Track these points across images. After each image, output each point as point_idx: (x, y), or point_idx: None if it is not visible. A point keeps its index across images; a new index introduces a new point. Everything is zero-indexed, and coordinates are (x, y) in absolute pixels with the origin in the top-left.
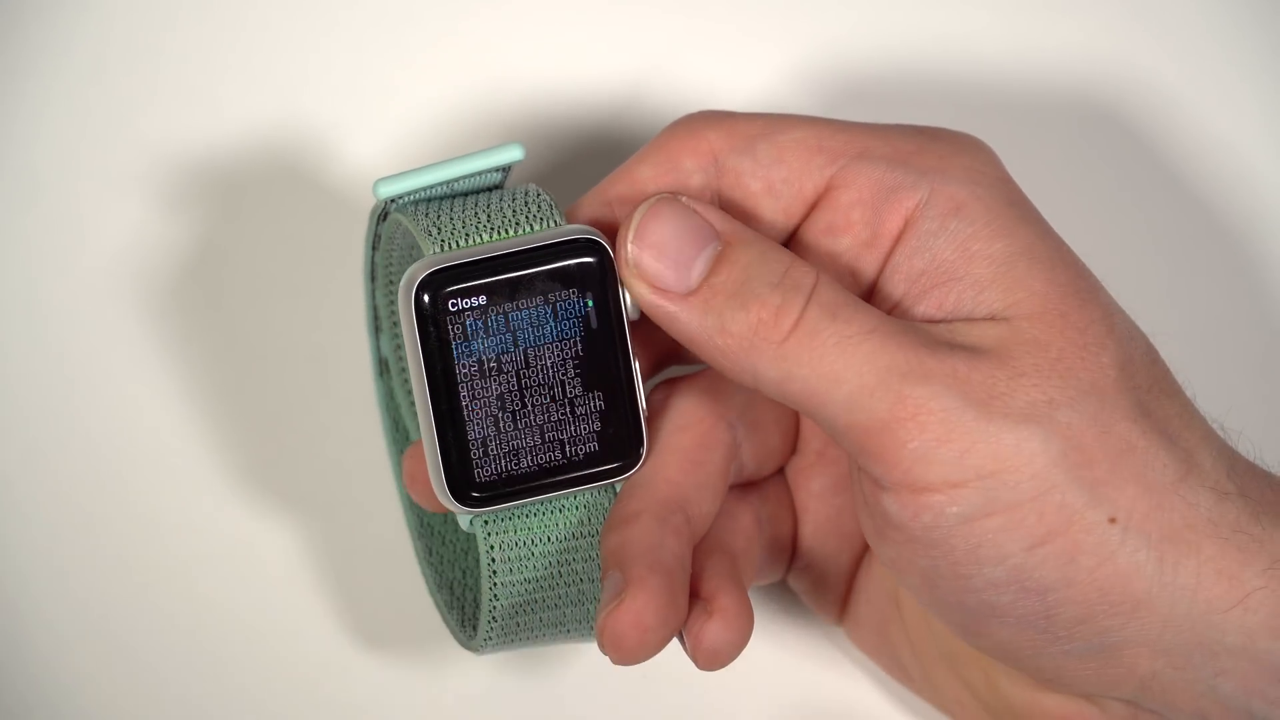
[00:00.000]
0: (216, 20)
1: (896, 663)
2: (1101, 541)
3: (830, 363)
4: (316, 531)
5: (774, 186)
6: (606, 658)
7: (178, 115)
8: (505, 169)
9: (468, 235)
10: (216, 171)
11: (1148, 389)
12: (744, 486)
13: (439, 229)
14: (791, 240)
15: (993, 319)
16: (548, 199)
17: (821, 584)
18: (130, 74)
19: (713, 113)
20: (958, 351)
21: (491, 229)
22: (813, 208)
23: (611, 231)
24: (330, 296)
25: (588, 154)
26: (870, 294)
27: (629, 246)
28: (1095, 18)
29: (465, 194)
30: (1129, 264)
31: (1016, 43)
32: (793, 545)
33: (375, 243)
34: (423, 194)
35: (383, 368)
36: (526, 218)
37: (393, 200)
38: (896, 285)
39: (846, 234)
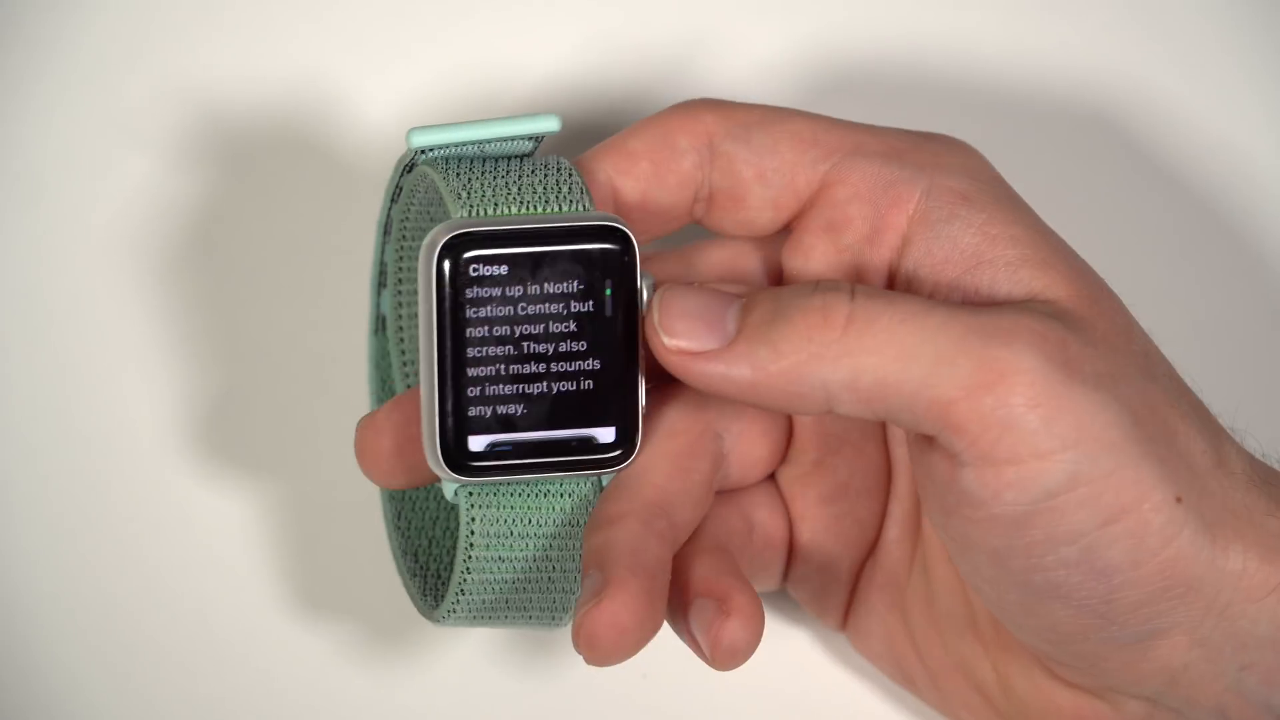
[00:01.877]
0: None
1: (901, 669)
2: (1169, 520)
3: (901, 340)
4: (298, 500)
5: (765, 174)
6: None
7: (184, 79)
8: (538, 139)
9: (496, 204)
10: (221, 139)
11: (1169, 377)
12: (732, 491)
13: (468, 193)
14: (789, 238)
15: (1037, 298)
16: (579, 181)
17: (822, 592)
18: (136, 39)
19: (713, 99)
20: (1027, 313)
21: (521, 202)
22: (807, 205)
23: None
24: (330, 271)
25: (604, 129)
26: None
27: (658, 328)
28: (1093, 18)
29: (495, 158)
30: (1129, 266)
31: (1013, 43)
32: (787, 552)
33: (395, 195)
34: (453, 150)
35: (379, 324)
36: (556, 196)
37: (422, 151)
38: (925, 278)
39: (846, 230)
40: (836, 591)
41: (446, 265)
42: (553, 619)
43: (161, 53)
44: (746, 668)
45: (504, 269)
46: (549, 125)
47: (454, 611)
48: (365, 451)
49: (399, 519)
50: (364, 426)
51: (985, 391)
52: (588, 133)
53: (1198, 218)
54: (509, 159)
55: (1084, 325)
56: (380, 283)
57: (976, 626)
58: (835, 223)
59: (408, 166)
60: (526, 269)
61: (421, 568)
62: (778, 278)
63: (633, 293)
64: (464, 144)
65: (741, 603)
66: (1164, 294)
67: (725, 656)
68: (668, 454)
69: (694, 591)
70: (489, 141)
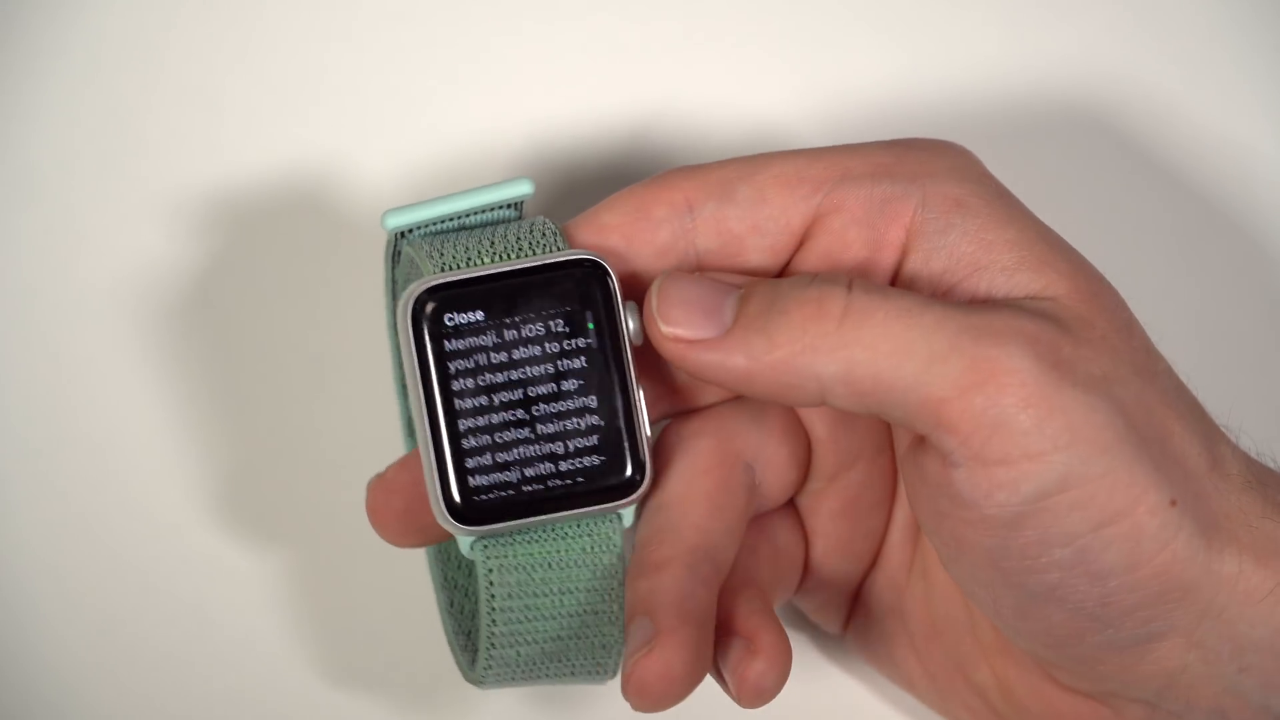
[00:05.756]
0: (230, 43)
1: (901, 672)
2: (1164, 524)
3: (895, 337)
4: (326, 565)
5: (760, 225)
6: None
7: (186, 133)
8: (517, 205)
9: (469, 259)
10: (226, 194)
11: (1167, 375)
12: (757, 518)
13: (442, 254)
14: (785, 274)
15: (1035, 297)
16: (552, 226)
17: (829, 602)
18: (138, 94)
19: (686, 167)
20: (1021, 314)
21: (494, 254)
22: (802, 240)
23: None
24: (334, 322)
25: (593, 190)
26: None
27: (655, 315)
28: (1093, 19)
29: (476, 228)
30: (1128, 266)
31: (1013, 43)
32: (804, 568)
33: (393, 291)
34: (433, 228)
35: (411, 429)
36: (530, 244)
37: (403, 235)
38: (924, 289)
39: (845, 255)
40: (841, 600)
41: (423, 320)
42: (597, 667)
43: (170, 76)
44: None
45: (480, 314)
46: (520, 190)
47: (490, 669)
48: (376, 511)
49: (451, 606)
50: (374, 487)
51: (976, 391)
52: (573, 195)
53: (1196, 217)
54: (490, 226)
55: (1082, 324)
56: (404, 386)
57: (975, 631)
58: (833, 250)
59: (394, 255)
60: (504, 311)
61: (472, 643)
62: None
63: (616, 321)
64: (439, 219)
65: (768, 642)
66: (1162, 293)
67: (751, 696)
68: (705, 493)
69: (724, 629)
70: (466, 214)
